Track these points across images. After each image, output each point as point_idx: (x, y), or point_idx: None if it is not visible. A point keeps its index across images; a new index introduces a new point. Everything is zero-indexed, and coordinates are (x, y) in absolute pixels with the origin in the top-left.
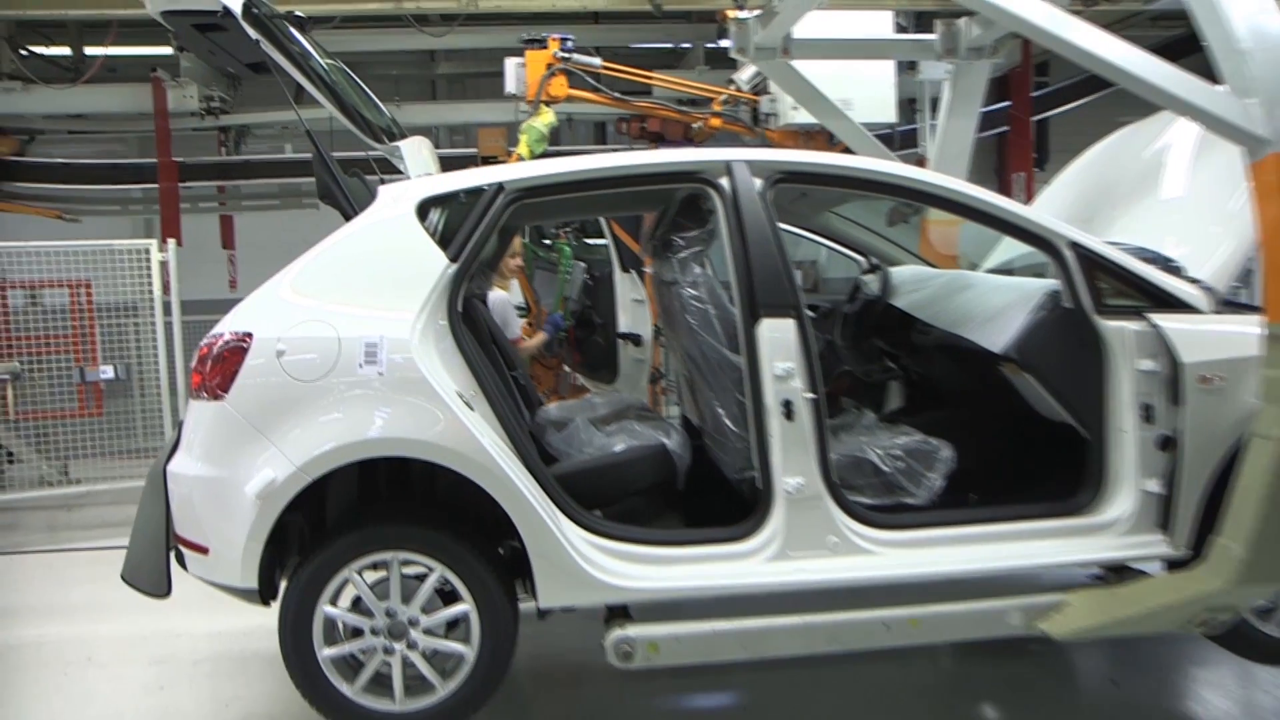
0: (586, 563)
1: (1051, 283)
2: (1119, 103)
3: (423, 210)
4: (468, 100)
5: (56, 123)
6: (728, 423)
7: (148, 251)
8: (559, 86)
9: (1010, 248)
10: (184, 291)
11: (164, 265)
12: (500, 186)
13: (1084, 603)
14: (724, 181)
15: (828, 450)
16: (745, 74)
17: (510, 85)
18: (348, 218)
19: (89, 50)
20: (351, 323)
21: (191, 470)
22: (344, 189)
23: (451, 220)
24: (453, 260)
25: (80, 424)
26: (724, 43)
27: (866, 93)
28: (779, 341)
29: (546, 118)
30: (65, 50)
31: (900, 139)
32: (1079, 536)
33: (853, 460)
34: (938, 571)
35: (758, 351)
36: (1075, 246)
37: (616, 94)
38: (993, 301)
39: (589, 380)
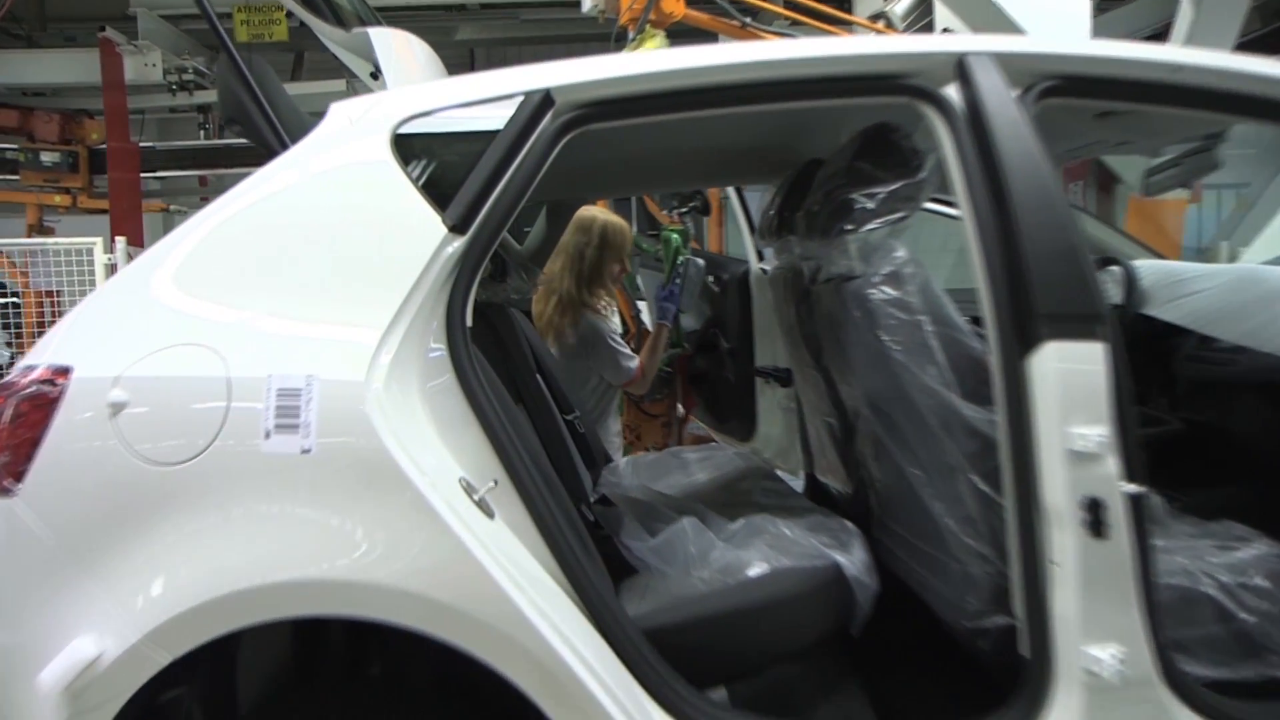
0: None
1: None
2: None
3: (403, 142)
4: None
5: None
6: (951, 526)
7: (90, 253)
8: (674, 2)
9: None
10: None
11: (111, 269)
12: (547, 97)
13: None
14: (952, 92)
15: (1157, 593)
16: (901, 5)
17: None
18: (272, 154)
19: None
20: (257, 346)
21: None
22: (265, 107)
23: (455, 160)
24: (456, 230)
25: None
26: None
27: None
28: (1079, 386)
29: (654, 43)
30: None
31: None
32: None
33: (1177, 596)
34: None
35: (1031, 404)
36: None
37: (747, 21)
38: None
39: (716, 433)
